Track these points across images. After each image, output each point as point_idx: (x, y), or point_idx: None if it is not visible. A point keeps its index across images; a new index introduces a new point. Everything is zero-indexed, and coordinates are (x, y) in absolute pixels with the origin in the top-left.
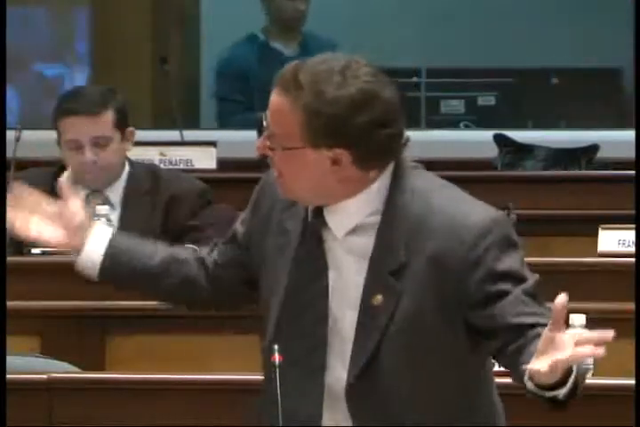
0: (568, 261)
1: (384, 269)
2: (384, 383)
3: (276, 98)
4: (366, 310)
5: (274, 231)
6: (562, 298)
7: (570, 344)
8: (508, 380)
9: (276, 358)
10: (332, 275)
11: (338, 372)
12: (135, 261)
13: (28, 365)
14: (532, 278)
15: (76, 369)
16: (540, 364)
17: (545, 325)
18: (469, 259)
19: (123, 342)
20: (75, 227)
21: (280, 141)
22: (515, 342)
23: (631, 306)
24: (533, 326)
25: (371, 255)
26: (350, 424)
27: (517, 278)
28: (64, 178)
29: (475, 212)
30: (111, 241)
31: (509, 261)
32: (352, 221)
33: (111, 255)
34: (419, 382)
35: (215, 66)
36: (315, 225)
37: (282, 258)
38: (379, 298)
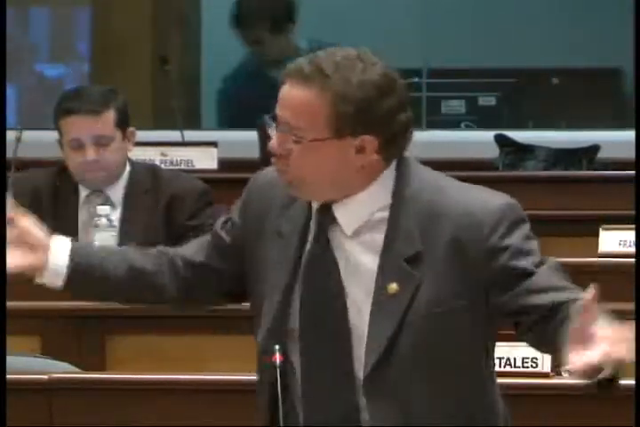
0: (568, 262)
1: (399, 257)
2: (401, 373)
3: (295, 91)
4: (381, 298)
5: (268, 237)
6: (592, 291)
7: (604, 341)
8: (509, 380)
9: (277, 358)
10: (343, 272)
11: (358, 366)
12: (99, 272)
13: (28, 365)
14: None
15: (76, 369)
16: (574, 360)
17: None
18: (491, 242)
19: (123, 342)
20: (32, 246)
21: (304, 134)
22: (550, 318)
23: (631, 306)
24: (566, 301)
25: (383, 245)
26: (366, 414)
27: (540, 258)
28: (8, 198)
29: (489, 197)
30: (72, 255)
31: (531, 243)
32: (363, 216)
33: (74, 270)
34: (435, 371)
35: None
36: (322, 223)
37: (280, 261)
38: (394, 286)
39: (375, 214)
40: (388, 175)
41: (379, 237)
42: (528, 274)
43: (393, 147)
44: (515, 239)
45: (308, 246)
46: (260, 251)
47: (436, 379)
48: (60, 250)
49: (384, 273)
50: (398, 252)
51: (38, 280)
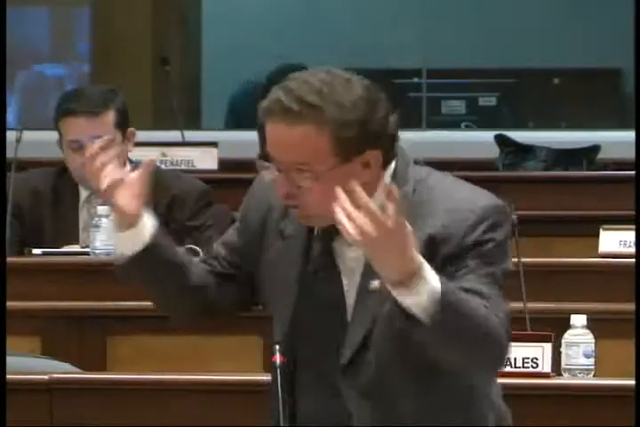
0: (569, 262)
1: None
2: (374, 367)
3: (291, 131)
4: (363, 295)
5: (271, 237)
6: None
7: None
8: (509, 380)
9: (277, 358)
10: (345, 281)
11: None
12: (171, 250)
13: (28, 365)
14: (503, 265)
15: (76, 370)
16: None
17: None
18: (466, 241)
19: (123, 343)
20: (137, 201)
21: (311, 169)
22: None
23: (631, 306)
24: None
25: None
26: (344, 409)
27: (487, 262)
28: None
29: (472, 198)
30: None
31: (495, 253)
32: None
33: (156, 237)
34: (409, 365)
35: None
36: (326, 235)
37: (286, 266)
38: (375, 283)
39: None
40: (386, 176)
41: None
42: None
43: (392, 151)
44: (482, 242)
45: (314, 254)
46: (264, 252)
47: (413, 377)
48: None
49: (368, 271)
50: None
51: (120, 233)
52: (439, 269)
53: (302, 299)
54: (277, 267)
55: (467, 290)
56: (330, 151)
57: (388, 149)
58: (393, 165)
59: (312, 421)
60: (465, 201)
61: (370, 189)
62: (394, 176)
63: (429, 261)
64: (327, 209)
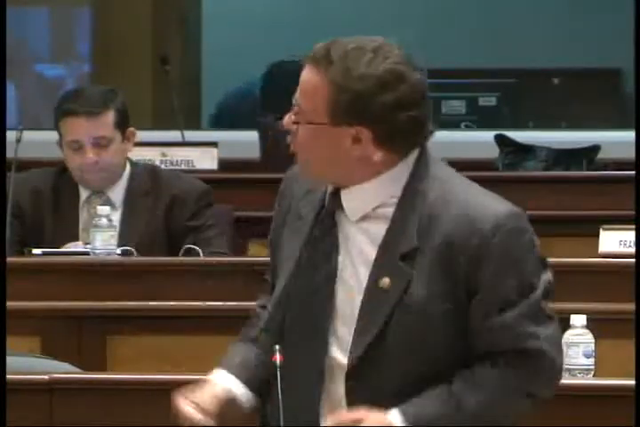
0: (569, 262)
1: (395, 252)
2: (384, 368)
3: (306, 73)
4: (372, 292)
5: (291, 220)
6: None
7: None
8: None
9: (277, 358)
10: (342, 258)
11: (334, 354)
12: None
13: (28, 365)
14: (542, 284)
15: (76, 370)
16: None
17: (519, 351)
18: (482, 248)
19: (123, 343)
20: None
21: (305, 116)
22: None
23: (631, 306)
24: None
25: (383, 238)
26: (344, 406)
27: (525, 287)
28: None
29: (493, 203)
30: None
31: (518, 264)
32: (368, 206)
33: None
34: (419, 368)
35: None
36: (330, 207)
37: (295, 242)
38: (386, 281)
39: (382, 206)
40: (403, 169)
41: (382, 229)
42: (499, 310)
43: (392, 142)
44: (503, 254)
45: (317, 225)
46: (281, 239)
47: (422, 378)
48: (233, 384)
49: (379, 267)
50: (395, 247)
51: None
52: (465, 278)
53: (298, 269)
54: (288, 248)
55: (518, 335)
56: (323, 107)
57: (386, 136)
58: (412, 160)
59: (304, 419)
60: (480, 207)
61: (372, 171)
62: (412, 172)
63: (448, 263)
64: (307, 162)
